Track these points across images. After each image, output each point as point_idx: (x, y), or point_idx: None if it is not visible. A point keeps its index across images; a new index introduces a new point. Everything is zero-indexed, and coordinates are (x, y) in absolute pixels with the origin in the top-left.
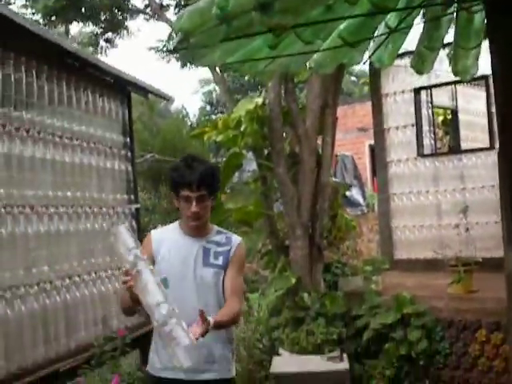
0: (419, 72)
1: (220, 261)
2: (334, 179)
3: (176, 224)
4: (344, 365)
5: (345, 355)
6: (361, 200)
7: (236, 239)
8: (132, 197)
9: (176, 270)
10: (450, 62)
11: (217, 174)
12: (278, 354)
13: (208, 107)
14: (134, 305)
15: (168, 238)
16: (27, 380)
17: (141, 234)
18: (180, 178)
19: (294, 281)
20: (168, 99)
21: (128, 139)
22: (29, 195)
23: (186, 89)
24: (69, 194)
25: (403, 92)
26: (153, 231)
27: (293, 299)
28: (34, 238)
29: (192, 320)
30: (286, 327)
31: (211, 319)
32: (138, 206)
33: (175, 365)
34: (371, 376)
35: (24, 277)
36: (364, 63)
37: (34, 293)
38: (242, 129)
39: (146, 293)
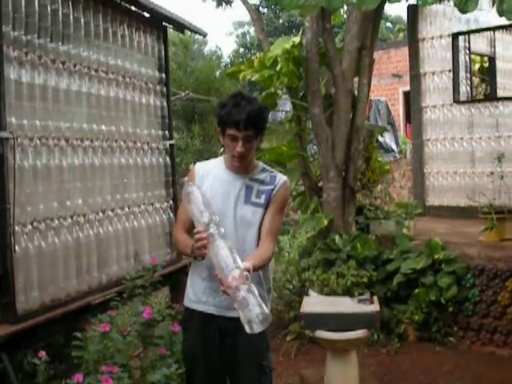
0: (463, 11)
1: (262, 199)
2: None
3: (221, 159)
4: (375, 307)
5: (375, 298)
6: (394, 146)
7: (281, 178)
8: (167, 133)
9: (217, 205)
10: (493, 3)
11: (265, 115)
12: (308, 295)
13: (242, 49)
14: (191, 257)
15: (212, 172)
16: (59, 312)
17: (175, 171)
18: (227, 116)
19: (326, 222)
20: (204, 35)
21: (163, 75)
22: (64, 128)
23: (221, 31)
24: (104, 127)
25: (441, 37)
26: (198, 164)
27: (324, 241)
28: (68, 171)
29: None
30: (317, 269)
31: (250, 265)
32: (173, 142)
33: (247, 329)
34: (399, 321)
35: (58, 209)
36: (406, 0)
37: (67, 225)
38: (277, 68)
39: (220, 257)
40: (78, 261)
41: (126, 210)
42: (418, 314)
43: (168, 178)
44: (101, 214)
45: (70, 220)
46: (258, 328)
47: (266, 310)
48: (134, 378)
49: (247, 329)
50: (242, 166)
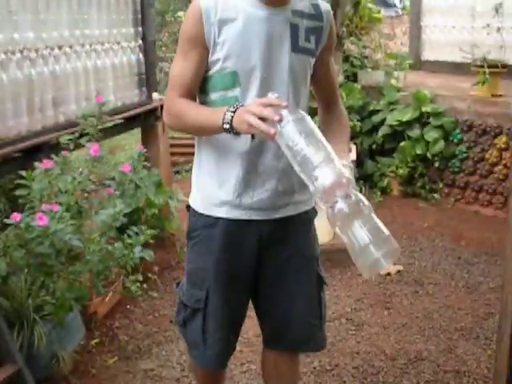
0: None
1: (312, 44)
2: None
3: None
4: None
5: (353, 147)
6: (396, 0)
7: (325, 8)
8: None
9: (257, 55)
10: None
11: None
12: None
13: None
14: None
15: (240, 9)
16: (7, 151)
17: (149, 4)
18: None
19: None
20: None
21: None
22: None
23: None
24: None
25: None
26: None
27: None
28: (16, 1)
29: None
30: None
31: (350, 161)
32: None
33: (363, 273)
34: (383, 174)
35: (4, 42)
36: None
37: (16, 60)
38: None
39: (304, 144)
40: (29, 98)
41: (87, 47)
42: (403, 168)
43: (136, 16)
44: (57, 50)
45: (19, 55)
46: (387, 264)
47: (394, 244)
48: (78, 218)
49: (363, 273)
50: None
